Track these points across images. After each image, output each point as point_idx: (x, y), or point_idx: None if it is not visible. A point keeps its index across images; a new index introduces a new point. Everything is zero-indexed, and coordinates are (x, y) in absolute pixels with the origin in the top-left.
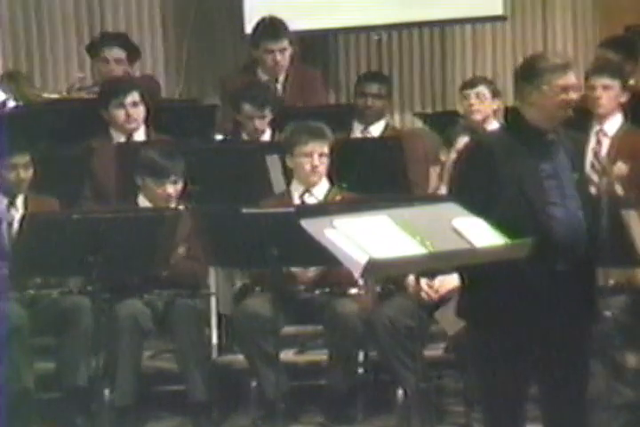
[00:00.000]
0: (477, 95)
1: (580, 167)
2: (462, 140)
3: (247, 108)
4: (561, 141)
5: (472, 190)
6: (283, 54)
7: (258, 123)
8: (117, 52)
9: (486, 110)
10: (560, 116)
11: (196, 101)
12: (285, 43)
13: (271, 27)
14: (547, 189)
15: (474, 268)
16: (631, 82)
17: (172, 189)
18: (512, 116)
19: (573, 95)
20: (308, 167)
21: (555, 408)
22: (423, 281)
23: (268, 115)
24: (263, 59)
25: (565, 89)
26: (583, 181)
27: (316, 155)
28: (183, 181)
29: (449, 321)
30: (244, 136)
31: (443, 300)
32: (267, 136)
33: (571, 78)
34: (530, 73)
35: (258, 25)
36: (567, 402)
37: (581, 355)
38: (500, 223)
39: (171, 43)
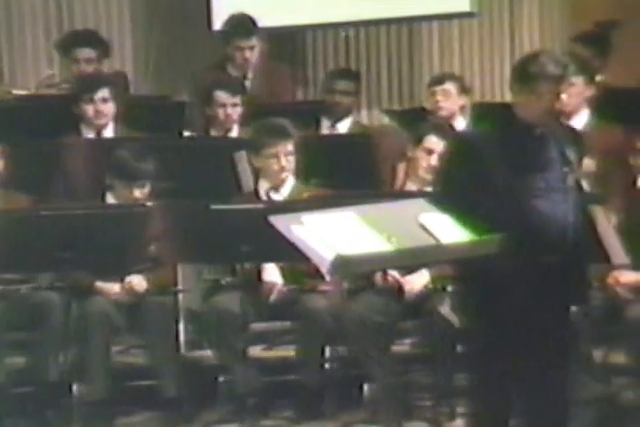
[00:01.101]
0: (444, 92)
1: (569, 160)
2: (430, 138)
3: (220, 95)
4: (552, 135)
5: (459, 187)
6: (252, 51)
7: (230, 110)
8: (88, 52)
9: (453, 107)
10: (546, 119)
11: (166, 98)
12: (255, 40)
13: (241, 24)
14: (532, 183)
15: (464, 263)
16: (600, 77)
17: (139, 192)
18: (501, 110)
19: (561, 103)
20: (276, 168)
21: (537, 400)
22: (392, 274)
23: (240, 104)
24: (233, 55)
25: (555, 98)
26: (572, 173)
27: (282, 155)
28: (152, 182)
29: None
30: (214, 133)
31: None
32: (235, 133)
33: (562, 88)
34: (522, 76)
35: (228, 22)
36: (551, 394)
37: (566, 346)
38: (486, 218)
39: (140, 39)
